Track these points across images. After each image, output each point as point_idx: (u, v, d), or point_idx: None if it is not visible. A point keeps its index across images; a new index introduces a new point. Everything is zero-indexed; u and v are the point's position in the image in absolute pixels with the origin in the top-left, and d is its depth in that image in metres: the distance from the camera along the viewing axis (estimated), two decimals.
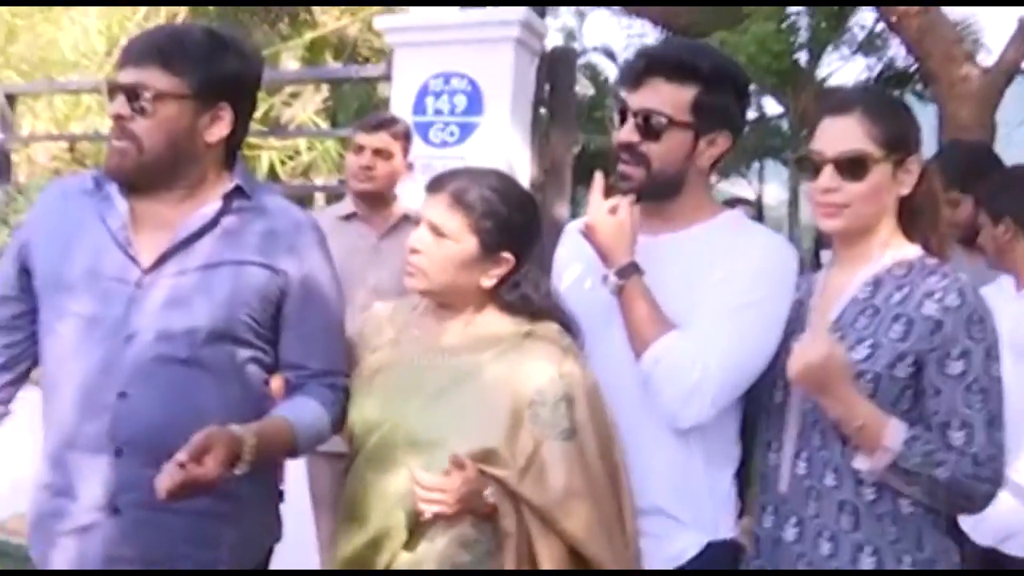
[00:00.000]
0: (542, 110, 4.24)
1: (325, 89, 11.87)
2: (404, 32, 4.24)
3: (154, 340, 1.84)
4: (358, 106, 13.52)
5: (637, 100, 1.97)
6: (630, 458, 1.93)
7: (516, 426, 1.83)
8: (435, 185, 1.94)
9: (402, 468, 1.82)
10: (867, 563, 1.80)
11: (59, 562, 1.89)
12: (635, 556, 1.89)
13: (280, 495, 2.11)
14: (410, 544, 1.84)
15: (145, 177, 1.88)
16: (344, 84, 12.11)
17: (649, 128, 1.95)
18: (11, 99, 5.65)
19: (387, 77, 4.40)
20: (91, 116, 7.70)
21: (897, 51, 15.79)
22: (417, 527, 1.84)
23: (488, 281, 1.93)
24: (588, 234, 1.96)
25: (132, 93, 1.83)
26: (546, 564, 1.79)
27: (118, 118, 1.84)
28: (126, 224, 1.89)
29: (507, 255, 1.93)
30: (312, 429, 1.92)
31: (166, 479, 1.60)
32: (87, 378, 1.85)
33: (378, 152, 3.37)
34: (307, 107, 11.27)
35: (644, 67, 1.98)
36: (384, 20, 4.38)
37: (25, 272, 1.96)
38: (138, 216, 1.91)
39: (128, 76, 1.84)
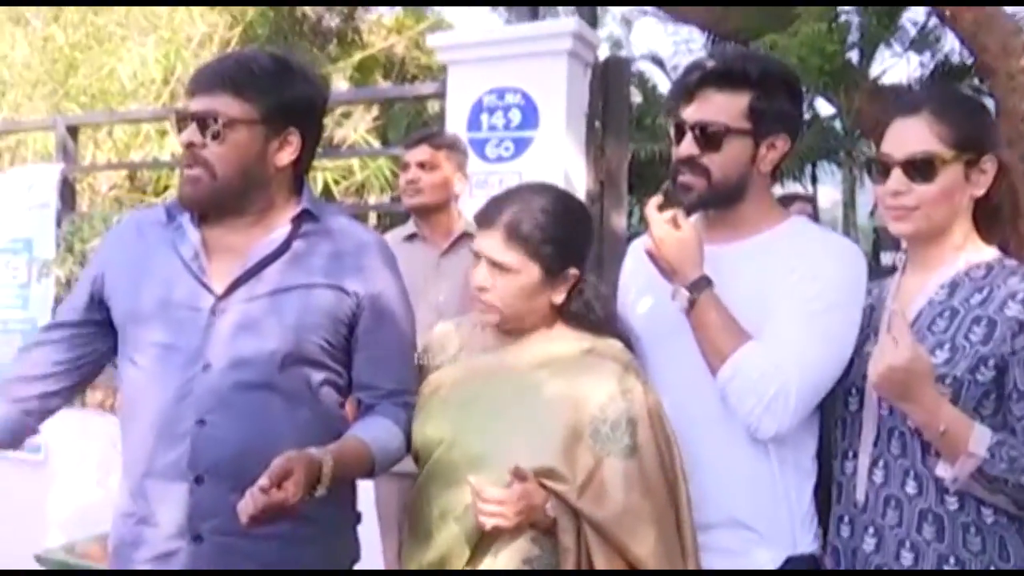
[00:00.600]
0: (596, 122, 4.22)
1: (375, 108, 11.97)
2: (457, 50, 4.25)
3: (229, 367, 1.86)
4: (408, 124, 13.63)
5: (692, 113, 1.96)
6: (705, 473, 1.92)
7: (575, 442, 1.82)
8: (486, 219, 1.93)
9: (464, 484, 1.81)
10: None
11: None
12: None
13: (358, 517, 2.11)
14: (472, 561, 1.84)
15: (218, 203, 1.91)
16: (395, 103, 12.19)
17: (708, 139, 1.94)
18: (73, 130, 5.75)
19: (440, 95, 4.42)
20: (150, 144, 7.84)
21: (952, 45, 15.54)
22: (480, 544, 1.83)
23: (558, 298, 1.94)
24: (653, 253, 1.94)
25: (204, 121, 1.85)
26: None
27: (190, 146, 1.87)
28: (199, 253, 1.91)
29: (572, 271, 1.93)
30: (388, 448, 1.92)
31: (249, 505, 1.61)
32: (165, 407, 1.86)
33: (421, 165, 3.38)
34: (358, 127, 11.37)
35: (696, 80, 1.97)
36: (437, 38, 4.40)
37: (97, 303, 2.00)
38: (210, 244, 1.93)
39: (199, 104, 1.86)
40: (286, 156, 1.93)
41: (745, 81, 1.94)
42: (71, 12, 7.94)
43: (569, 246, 1.93)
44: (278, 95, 1.90)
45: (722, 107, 1.94)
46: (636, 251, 2.17)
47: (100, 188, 7.58)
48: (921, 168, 1.81)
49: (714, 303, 1.88)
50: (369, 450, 1.87)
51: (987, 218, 1.88)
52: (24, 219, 5.36)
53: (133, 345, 1.93)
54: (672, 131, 2.02)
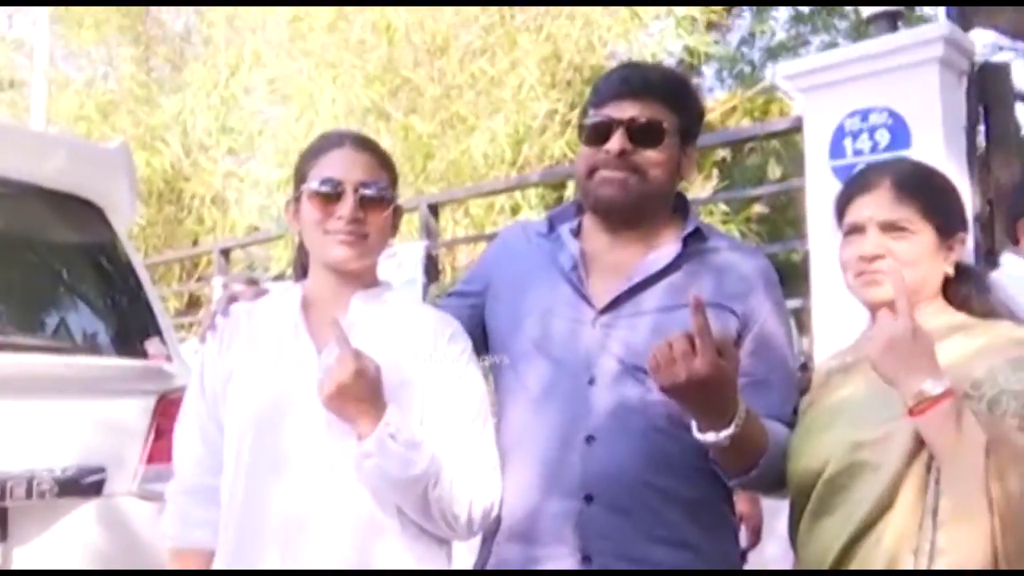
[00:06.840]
0: (979, 135, 3.78)
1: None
2: (810, 75, 4.00)
3: (615, 383, 1.82)
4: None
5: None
6: None
7: None
8: (861, 186, 1.76)
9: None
10: None
11: None
12: None
13: (742, 553, 2.03)
14: None
15: (639, 209, 1.89)
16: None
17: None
18: (434, 209, 6.10)
19: (797, 128, 4.16)
20: (503, 217, 8.15)
21: None
22: None
23: (950, 268, 1.72)
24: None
25: (644, 127, 1.85)
26: None
27: (622, 153, 1.85)
28: (578, 264, 1.90)
29: (962, 234, 1.74)
30: (778, 446, 1.76)
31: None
32: (555, 421, 1.84)
33: None
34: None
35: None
36: (786, 67, 4.17)
37: (479, 303, 2.04)
38: (589, 257, 1.92)
39: (633, 110, 1.86)
40: (689, 168, 1.94)
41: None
42: (426, 102, 8.47)
43: (957, 203, 1.76)
44: (694, 107, 1.94)
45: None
46: None
47: (459, 262, 7.94)
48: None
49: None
50: (767, 435, 1.74)
51: None
52: None
53: (514, 354, 1.93)
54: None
